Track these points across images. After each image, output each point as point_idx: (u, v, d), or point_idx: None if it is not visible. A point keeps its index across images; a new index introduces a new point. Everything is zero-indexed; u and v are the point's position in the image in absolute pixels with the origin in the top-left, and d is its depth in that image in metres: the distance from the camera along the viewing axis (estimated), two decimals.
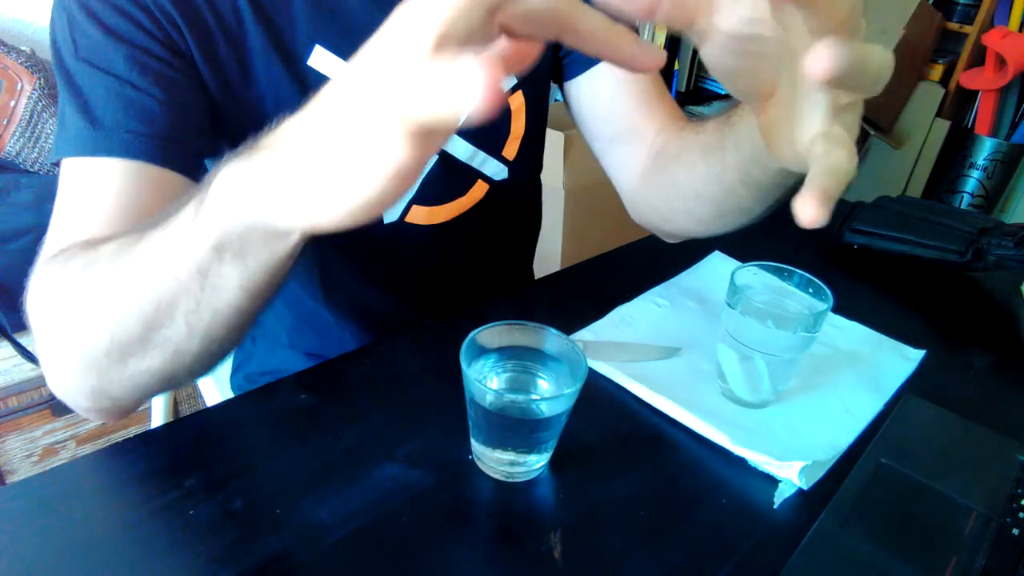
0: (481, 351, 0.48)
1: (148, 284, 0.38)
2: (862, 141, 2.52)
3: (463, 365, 0.44)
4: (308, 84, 0.56)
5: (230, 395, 0.75)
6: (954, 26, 2.33)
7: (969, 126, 2.38)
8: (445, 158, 0.65)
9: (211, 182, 0.34)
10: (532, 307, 0.69)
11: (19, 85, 1.10)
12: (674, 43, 2.19)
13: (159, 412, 0.89)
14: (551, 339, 0.49)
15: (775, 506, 0.48)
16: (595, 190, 1.57)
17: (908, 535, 0.46)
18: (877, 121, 2.35)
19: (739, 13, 0.33)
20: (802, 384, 0.59)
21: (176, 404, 1.13)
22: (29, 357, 1.14)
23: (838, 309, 0.67)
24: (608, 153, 0.70)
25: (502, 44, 0.28)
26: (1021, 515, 0.47)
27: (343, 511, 0.45)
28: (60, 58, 0.50)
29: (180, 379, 0.45)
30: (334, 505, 0.46)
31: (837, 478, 0.50)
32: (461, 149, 0.66)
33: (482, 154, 0.68)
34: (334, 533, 0.44)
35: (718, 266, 0.77)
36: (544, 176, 0.81)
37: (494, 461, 0.48)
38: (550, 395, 0.49)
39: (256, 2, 0.54)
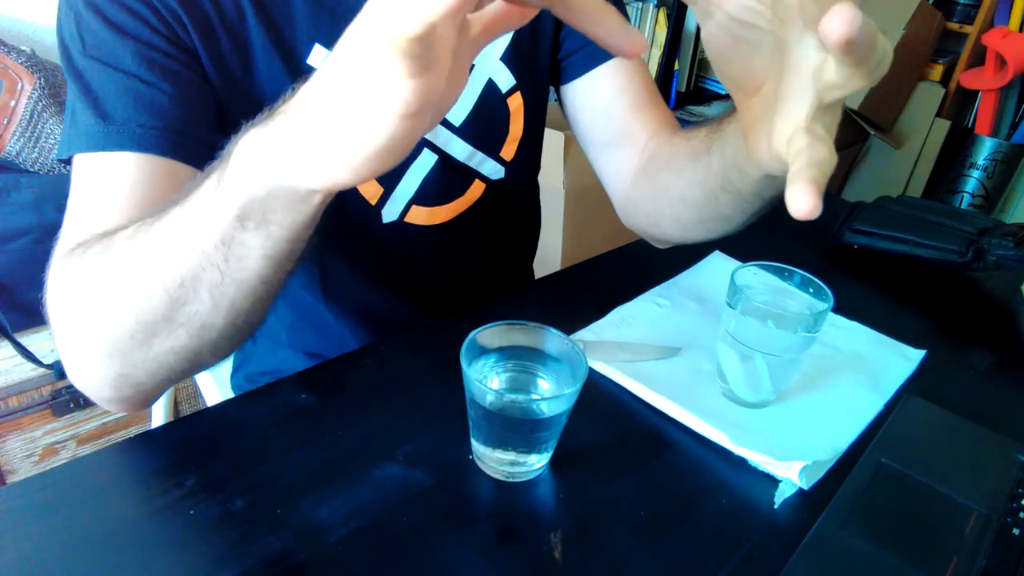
0: (481, 351, 0.48)
1: (171, 260, 0.39)
2: (862, 141, 2.52)
3: (463, 365, 0.44)
4: (306, 76, 0.57)
5: (230, 395, 0.75)
6: (954, 26, 2.33)
7: (969, 126, 2.38)
8: (444, 158, 0.66)
9: (230, 154, 0.36)
10: (532, 307, 0.69)
11: (19, 85, 1.10)
12: (674, 43, 2.20)
13: (159, 412, 0.89)
14: (551, 339, 0.49)
15: (775, 506, 0.48)
16: (595, 190, 1.56)
17: (908, 535, 0.46)
18: (877, 121, 2.35)
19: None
20: (802, 384, 0.59)
21: (176, 404, 1.13)
22: (29, 357, 1.14)
23: (838, 309, 0.67)
24: (601, 157, 0.70)
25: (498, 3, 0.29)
26: (1021, 515, 0.47)
27: (343, 511, 0.45)
28: (68, 56, 0.50)
29: (205, 357, 0.45)
30: (334, 505, 0.46)
31: (837, 478, 0.50)
32: (459, 149, 0.66)
33: (480, 154, 0.68)
34: (334, 533, 0.44)
35: (718, 266, 0.77)
36: (544, 176, 0.81)
37: (494, 461, 0.48)
38: (550, 395, 0.49)
39: (258, 1, 0.54)
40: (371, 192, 0.64)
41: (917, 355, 0.64)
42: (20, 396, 1.19)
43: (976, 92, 2.32)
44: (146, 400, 0.50)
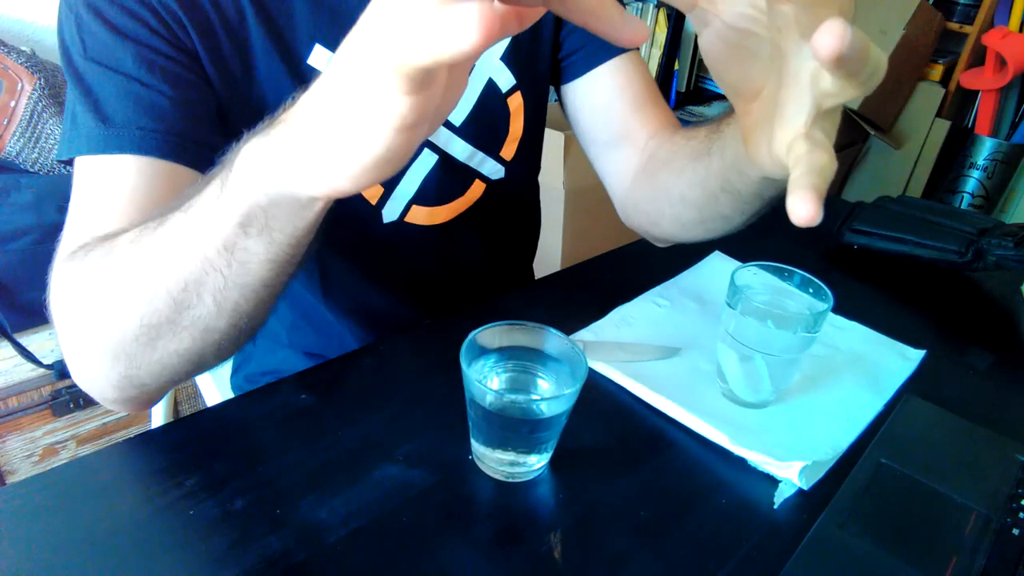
0: (481, 351, 0.48)
1: (175, 266, 0.39)
2: (862, 141, 2.52)
3: (463, 365, 0.44)
4: (308, 83, 0.57)
5: (230, 395, 0.75)
6: (954, 26, 2.33)
7: (969, 126, 2.38)
8: (444, 158, 0.66)
9: (232, 162, 0.36)
10: (532, 307, 0.69)
11: (19, 85, 1.10)
12: (674, 43, 2.20)
13: (159, 412, 0.89)
14: (551, 339, 0.49)
15: (775, 506, 0.48)
16: (595, 190, 1.56)
17: (908, 535, 0.46)
18: (877, 121, 2.35)
19: (738, 6, 0.34)
20: (802, 384, 0.59)
21: (176, 404, 1.13)
22: (29, 357, 1.14)
23: (838, 309, 0.67)
24: (602, 157, 0.70)
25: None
26: (1021, 515, 0.47)
27: (343, 511, 0.45)
28: (69, 58, 0.51)
29: (208, 359, 0.46)
30: (334, 505, 0.46)
31: (837, 478, 0.50)
32: (460, 149, 0.66)
33: (480, 154, 0.68)
34: (334, 533, 0.44)
35: (718, 266, 0.77)
36: (544, 176, 0.81)
37: (494, 461, 0.48)
38: (550, 395, 0.49)
39: (258, 1, 0.54)
40: (371, 192, 0.64)
41: (917, 355, 0.64)
42: (20, 396, 1.19)
43: (976, 92, 2.32)
44: (149, 400, 0.50)
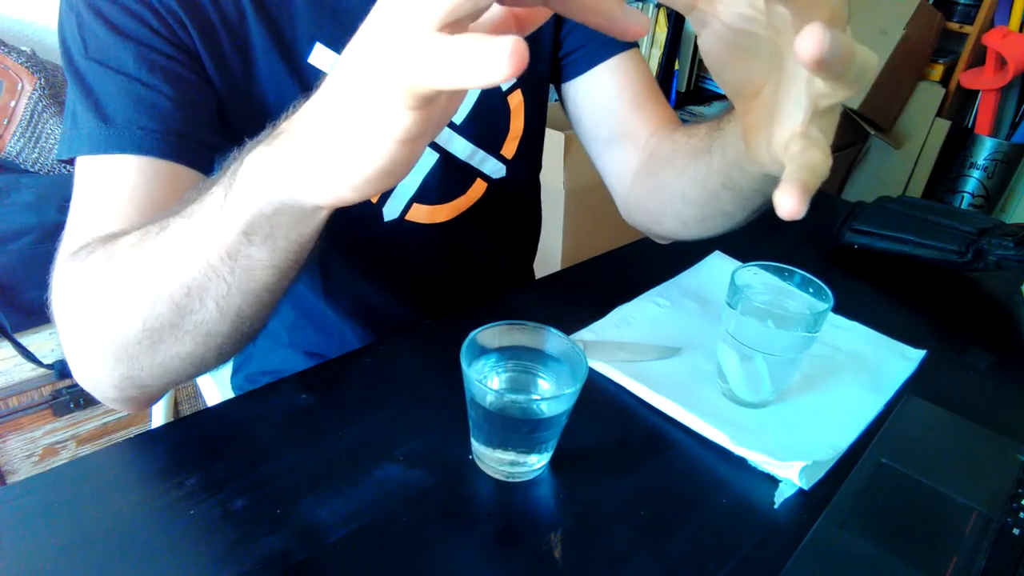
0: (481, 351, 0.48)
1: (178, 271, 0.39)
2: (862, 141, 2.52)
3: (463, 365, 0.44)
4: (309, 82, 0.57)
5: (230, 395, 0.75)
6: (954, 26, 2.33)
7: (969, 126, 2.38)
8: (445, 156, 0.66)
9: (235, 171, 0.36)
10: (532, 307, 0.69)
11: (19, 85, 1.10)
12: (674, 43, 2.20)
13: (159, 412, 0.89)
14: (551, 339, 0.49)
15: (775, 506, 0.48)
16: (595, 190, 1.56)
17: (908, 535, 0.46)
18: (877, 121, 2.35)
19: (736, 7, 0.34)
20: (802, 384, 0.59)
21: (176, 404, 1.13)
22: (29, 357, 1.14)
23: (838, 309, 0.67)
24: (602, 155, 0.71)
25: (497, 10, 0.29)
26: (1021, 515, 0.47)
27: (343, 511, 0.45)
28: (70, 58, 0.51)
29: (209, 361, 0.46)
30: (334, 505, 0.46)
31: (837, 478, 0.50)
32: (461, 147, 0.66)
33: (481, 152, 0.68)
34: (334, 533, 0.44)
35: (718, 266, 0.77)
36: (544, 176, 0.81)
37: (494, 461, 0.48)
38: (550, 395, 0.49)
39: (259, 0, 0.54)
40: None
41: (917, 355, 0.64)
42: (20, 396, 1.19)
43: (976, 92, 2.32)
44: (150, 400, 0.51)
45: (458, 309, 0.67)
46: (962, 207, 2.36)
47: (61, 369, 1.18)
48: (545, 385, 0.50)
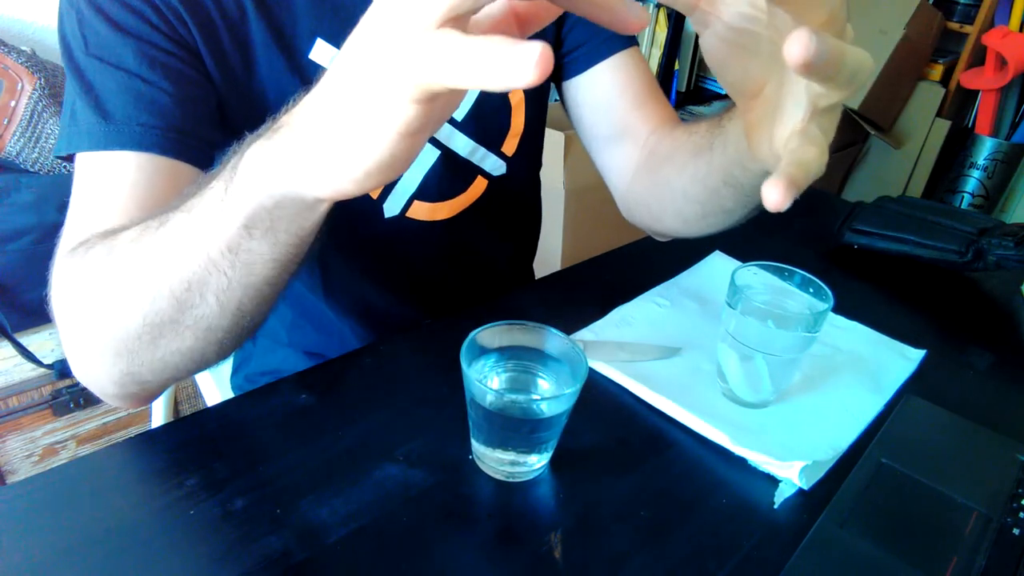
0: (481, 351, 0.48)
1: (178, 266, 0.39)
2: (862, 141, 2.52)
3: (463, 365, 0.44)
4: (309, 78, 0.57)
5: (230, 395, 0.75)
6: (954, 26, 2.33)
7: (969, 126, 2.38)
8: (446, 153, 0.66)
9: (235, 164, 0.36)
10: (532, 307, 0.69)
11: (19, 85, 1.10)
12: (674, 43, 2.19)
13: (159, 412, 0.89)
14: (551, 339, 0.49)
15: (775, 506, 0.48)
16: (595, 190, 1.56)
17: (908, 535, 0.46)
18: (877, 121, 2.35)
19: (738, 7, 0.35)
20: (802, 384, 0.59)
21: (176, 404, 1.13)
22: (29, 357, 1.14)
23: (838, 309, 0.67)
24: (603, 153, 0.71)
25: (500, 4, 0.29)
26: (1021, 515, 0.47)
27: (343, 511, 0.45)
28: (70, 54, 0.51)
29: (210, 357, 0.46)
30: (334, 505, 0.46)
31: (837, 478, 0.50)
32: (461, 144, 0.66)
33: (482, 150, 0.68)
34: (334, 533, 0.44)
35: (718, 266, 0.77)
36: (544, 176, 0.81)
37: (494, 461, 0.48)
38: (550, 395, 0.49)
39: None
40: None
41: (917, 355, 0.64)
42: (20, 396, 1.19)
43: (976, 92, 2.32)
44: (149, 397, 0.51)
45: (458, 308, 0.67)
46: (962, 207, 2.36)
47: (61, 369, 1.18)
48: (545, 385, 0.50)
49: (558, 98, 0.75)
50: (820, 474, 0.50)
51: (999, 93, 2.26)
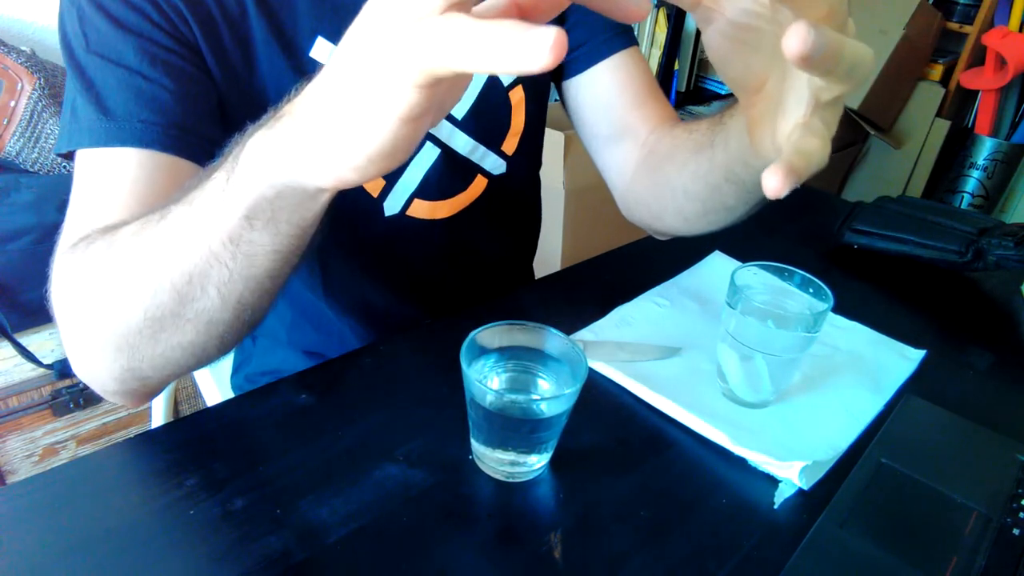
0: (481, 351, 0.48)
1: (179, 259, 0.39)
2: (862, 141, 2.52)
3: (463, 365, 0.44)
4: (310, 75, 0.57)
5: (230, 395, 0.75)
6: (954, 26, 2.33)
7: (969, 126, 2.38)
8: (447, 152, 0.66)
9: (236, 155, 0.36)
10: (532, 307, 0.69)
11: (19, 85, 1.10)
12: (674, 43, 2.19)
13: (159, 412, 0.89)
14: (551, 339, 0.49)
15: (775, 506, 0.48)
16: (595, 190, 1.56)
17: (908, 535, 0.46)
18: (877, 121, 2.35)
19: (740, 3, 0.35)
20: (802, 384, 0.59)
21: (176, 404, 1.13)
22: (29, 357, 1.14)
23: (838, 309, 0.67)
24: (602, 152, 0.71)
25: None
26: (1021, 515, 0.47)
27: (343, 511, 0.45)
28: (71, 51, 0.51)
29: (211, 351, 0.46)
30: (334, 505, 0.46)
31: (837, 478, 0.50)
32: (462, 143, 0.66)
33: (482, 148, 0.68)
34: (334, 533, 0.44)
35: (718, 266, 0.77)
36: (544, 176, 0.81)
37: (494, 461, 0.48)
38: (550, 395, 0.49)
39: None
40: (373, 185, 0.64)
41: (917, 355, 0.64)
42: (20, 396, 1.19)
43: (976, 92, 2.32)
44: (150, 393, 0.50)
45: (458, 308, 0.67)
46: (962, 207, 2.36)
47: (61, 369, 1.18)
48: (545, 385, 0.50)
49: (558, 98, 0.75)
50: (820, 474, 0.50)
51: (999, 93, 2.26)
